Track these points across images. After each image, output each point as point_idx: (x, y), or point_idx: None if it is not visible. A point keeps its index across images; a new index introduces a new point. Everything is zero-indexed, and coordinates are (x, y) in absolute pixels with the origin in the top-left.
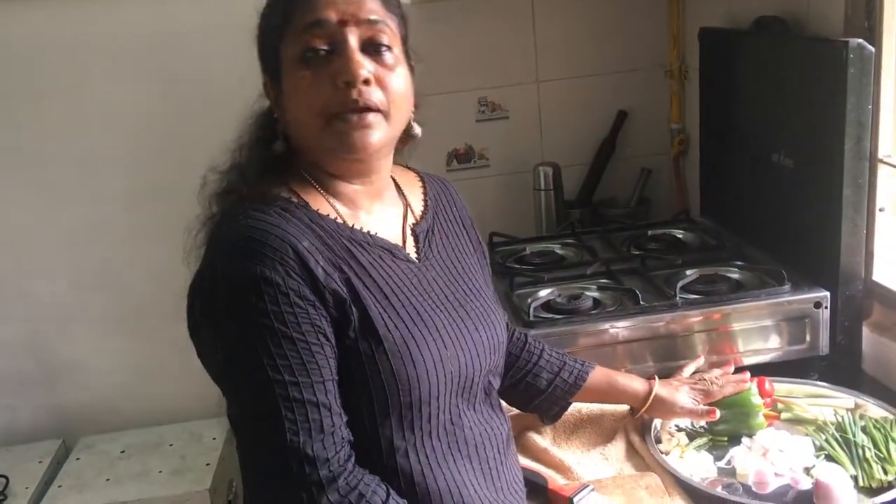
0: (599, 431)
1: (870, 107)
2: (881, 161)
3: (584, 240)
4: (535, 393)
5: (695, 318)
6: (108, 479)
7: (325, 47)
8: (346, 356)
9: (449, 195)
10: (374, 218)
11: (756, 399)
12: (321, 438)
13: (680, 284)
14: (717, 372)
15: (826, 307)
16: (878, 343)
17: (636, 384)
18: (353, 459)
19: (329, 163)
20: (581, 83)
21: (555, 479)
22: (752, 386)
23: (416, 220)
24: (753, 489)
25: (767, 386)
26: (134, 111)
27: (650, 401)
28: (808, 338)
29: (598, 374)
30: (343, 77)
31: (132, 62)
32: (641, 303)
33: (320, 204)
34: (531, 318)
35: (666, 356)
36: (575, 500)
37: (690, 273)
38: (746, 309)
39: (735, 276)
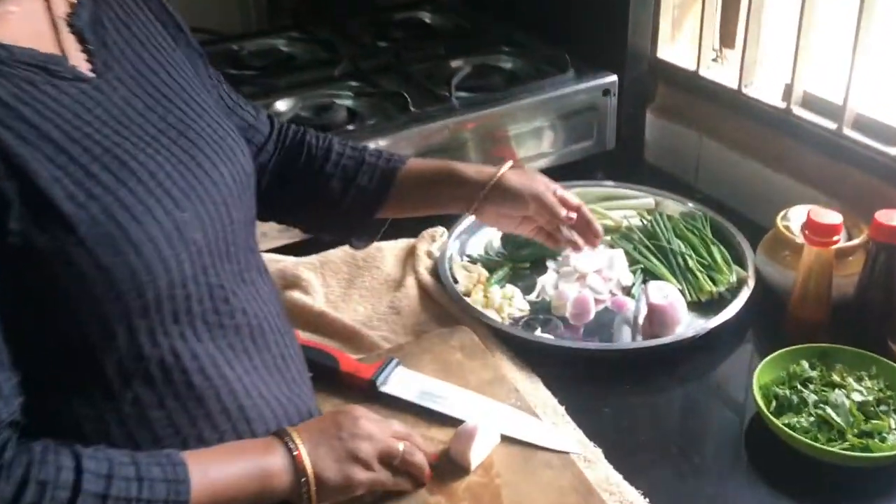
0: (380, 276)
1: None
2: None
3: (314, 33)
4: (329, 207)
5: (472, 122)
6: None
7: None
8: (17, 266)
9: None
10: None
11: None
12: None
13: (455, 82)
14: None
15: (615, 94)
16: (661, 128)
17: (481, 166)
18: (12, 442)
19: None
20: None
21: (347, 357)
22: None
23: (70, 8)
24: (572, 322)
25: None
26: None
27: (493, 180)
28: (595, 132)
29: (416, 166)
30: None
31: None
32: (412, 109)
33: None
34: None
35: None
36: (378, 382)
37: (457, 65)
38: (531, 105)
39: (508, 65)
